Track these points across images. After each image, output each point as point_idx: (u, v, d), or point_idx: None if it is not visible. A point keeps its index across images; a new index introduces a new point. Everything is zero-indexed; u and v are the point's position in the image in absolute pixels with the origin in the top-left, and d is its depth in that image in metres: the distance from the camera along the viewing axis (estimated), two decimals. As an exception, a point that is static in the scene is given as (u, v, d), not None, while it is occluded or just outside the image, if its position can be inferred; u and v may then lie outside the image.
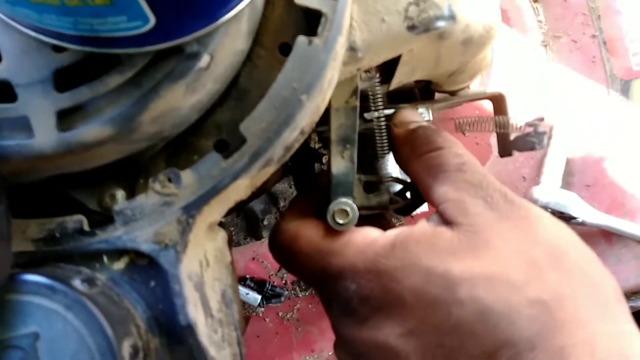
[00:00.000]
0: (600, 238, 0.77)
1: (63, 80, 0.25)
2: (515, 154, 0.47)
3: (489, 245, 0.31)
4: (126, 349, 0.23)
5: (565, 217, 0.72)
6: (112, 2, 0.20)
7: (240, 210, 0.78)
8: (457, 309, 0.29)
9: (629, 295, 0.77)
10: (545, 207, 0.72)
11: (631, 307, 0.78)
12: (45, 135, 0.25)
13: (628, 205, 0.76)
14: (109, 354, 0.22)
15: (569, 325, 0.28)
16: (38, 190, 0.30)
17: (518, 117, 0.46)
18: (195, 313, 0.28)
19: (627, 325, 0.29)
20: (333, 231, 0.36)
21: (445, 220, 0.33)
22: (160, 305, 0.28)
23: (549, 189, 0.73)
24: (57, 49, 0.25)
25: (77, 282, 0.24)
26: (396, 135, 0.40)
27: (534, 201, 0.73)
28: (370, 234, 0.35)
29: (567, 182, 0.77)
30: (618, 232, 0.73)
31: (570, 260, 0.31)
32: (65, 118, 0.26)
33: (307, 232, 0.36)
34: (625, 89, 0.77)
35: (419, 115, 0.42)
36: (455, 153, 0.36)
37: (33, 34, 0.24)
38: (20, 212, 0.28)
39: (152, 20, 0.22)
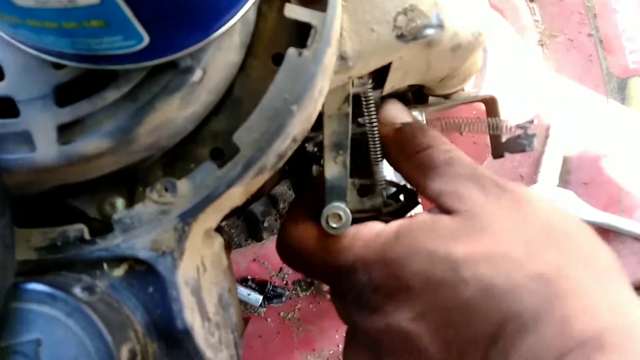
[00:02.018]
0: (598, 235, 0.78)
1: (63, 95, 0.27)
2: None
3: (487, 227, 0.32)
4: (125, 353, 0.24)
5: (563, 215, 0.73)
6: (107, 24, 0.21)
7: (240, 212, 0.79)
8: (461, 289, 0.31)
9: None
10: (542, 206, 0.73)
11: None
12: (46, 149, 0.26)
13: (625, 202, 0.77)
14: (108, 358, 0.23)
15: (571, 295, 0.29)
16: (40, 200, 0.31)
17: (513, 118, 0.47)
18: (191, 317, 0.29)
19: (626, 293, 0.30)
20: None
21: (444, 210, 0.34)
22: (158, 310, 0.29)
23: (546, 188, 0.74)
24: (57, 66, 0.26)
25: (77, 290, 0.25)
26: (384, 135, 0.41)
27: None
28: (375, 227, 0.36)
29: (565, 181, 0.78)
30: (615, 229, 0.74)
31: (565, 236, 0.32)
32: (66, 132, 0.27)
33: (313, 232, 0.37)
34: (621, 87, 0.78)
35: (403, 110, 0.42)
36: (443, 149, 0.37)
37: (34, 52, 0.25)
38: (24, 222, 0.29)
39: (146, 38, 0.23)
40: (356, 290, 0.35)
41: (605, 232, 0.77)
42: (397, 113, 0.42)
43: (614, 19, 0.78)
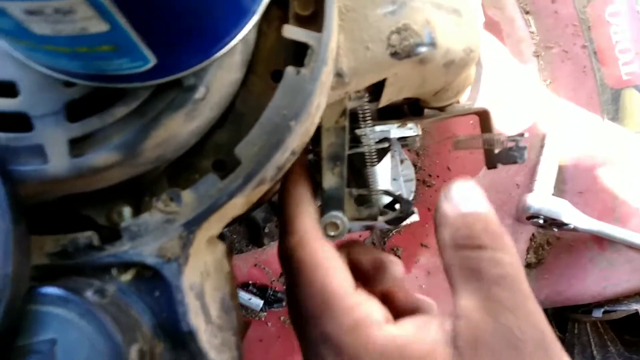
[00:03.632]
0: (592, 243, 0.79)
1: (74, 111, 0.28)
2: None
3: None
4: (134, 353, 0.26)
5: (558, 224, 0.74)
6: (116, 48, 0.23)
7: (242, 219, 0.81)
8: None
9: (621, 299, 0.79)
10: (538, 214, 0.74)
11: (623, 311, 0.80)
12: (58, 161, 0.28)
13: (619, 211, 0.78)
14: (118, 358, 0.25)
15: None
16: (52, 208, 0.33)
17: (509, 128, 0.48)
18: (196, 320, 0.31)
19: None
20: (346, 281, 0.34)
21: (455, 343, 0.29)
22: (164, 313, 0.30)
23: (542, 196, 0.75)
24: (68, 84, 0.28)
25: (89, 293, 0.26)
26: (443, 214, 0.34)
27: (527, 208, 0.75)
28: (373, 315, 0.32)
29: (560, 190, 0.79)
30: (610, 237, 0.75)
31: None
32: (77, 145, 0.28)
33: (328, 265, 0.35)
34: (615, 98, 0.80)
35: (478, 194, 0.35)
36: (498, 260, 0.30)
37: (47, 71, 0.27)
38: (37, 229, 0.31)
39: (153, 60, 0.25)
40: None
41: (600, 241, 0.78)
42: (466, 198, 0.34)
43: (608, 31, 0.80)
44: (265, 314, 0.79)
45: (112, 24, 0.21)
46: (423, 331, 0.31)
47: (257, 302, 0.78)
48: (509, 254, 0.31)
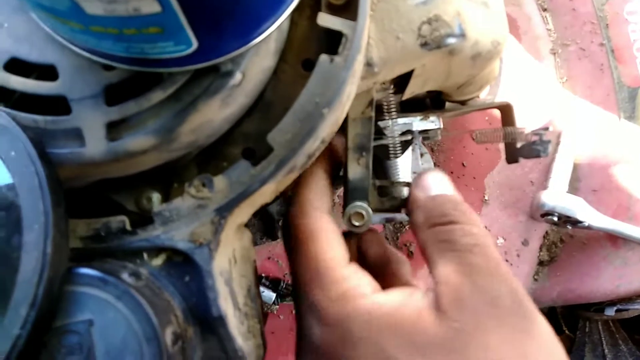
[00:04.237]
0: (606, 242, 0.79)
1: (112, 95, 0.29)
2: (523, 159, 0.49)
3: (475, 352, 0.28)
4: (169, 335, 0.26)
5: (572, 221, 0.74)
6: (163, 30, 0.23)
7: (257, 212, 0.81)
8: None
9: (634, 298, 0.79)
10: (552, 212, 0.74)
11: (635, 310, 0.80)
12: (95, 145, 0.28)
13: (634, 209, 0.78)
14: (153, 339, 0.25)
15: None
16: (83, 193, 0.33)
17: (526, 125, 0.48)
18: (225, 306, 0.31)
19: None
20: (338, 253, 0.35)
21: (439, 306, 0.30)
22: (194, 298, 0.31)
23: (556, 194, 0.75)
24: (107, 68, 0.28)
25: (125, 275, 0.27)
26: (415, 198, 0.38)
27: (542, 205, 0.75)
28: (361, 288, 0.33)
29: (574, 187, 0.79)
30: (624, 235, 0.75)
31: None
32: (114, 129, 0.29)
33: (324, 236, 0.35)
34: (632, 96, 0.79)
35: (445, 181, 0.38)
36: (469, 231, 0.33)
37: (86, 54, 0.27)
38: (70, 213, 0.31)
39: (195, 44, 0.25)
40: (304, 329, 0.34)
41: (614, 239, 0.78)
42: (437, 183, 0.38)
43: (626, 29, 0.79)
44: (277, 306, 0.79)
45: (164, 5, 0.21)
46: (409, 298, 0.32)
47: (270, 295, 0.78)
48: (478, 226, 0.34)
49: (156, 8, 0.21)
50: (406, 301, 0.32)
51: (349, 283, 0.33)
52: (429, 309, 0.31)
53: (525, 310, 0.30)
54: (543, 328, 0.30)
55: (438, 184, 0.38)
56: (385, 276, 0.39)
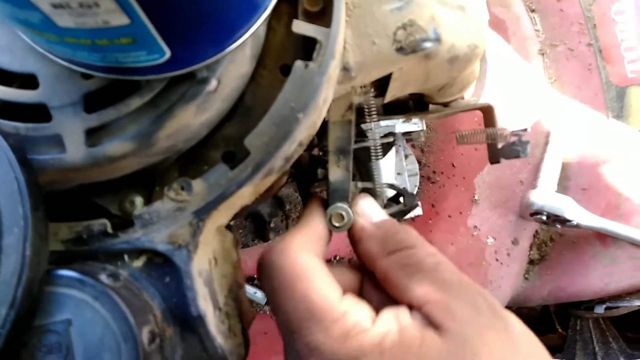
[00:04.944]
0: (595, 240, 0.80)
1: (91, 102, 0.29)
2: (513, 159, 0.50)
3: (477, 355, 0.30)
4: (145, 334, 0.27)
5: (561, 220, 0.75)
6: (134, 41, 0.24)
7: (248, 214, 0.82)
8: None
9: (624, 295, 0.80)
10: (541, 211, 0.75)
11: (625, 307, 0.81)
12: (75, 150, 0.29)
13: (623, 208, 0.79)
14: (130, 338, 0.26)
15: None
16: (66, 197, 0.34)
17: (514, 125, 0.49)
18: (204, 305, 0.32)
19: None
20: (331, 289, 0.34)
21: (432, 323, 0.32)
22: (174, 298, 0.31)
23: (545, 193, 0.76)
24: (86, 76, 0.29)
25: (103, 277, 0.27)
26: (360, 227, 0.39)
27: (531, 205, 0.76)
28: (362, 323, 0.33)
29: (564, 186, 0.80)
30: (613, 234, 0.76)
31: None
32: (93, 135, 0.30)
33: (311, 275, 0.34)
34: (620, 96, 0.80)
35: (377, 207, 0.40)
36: (428, 252, 0.35)
37: (65, 64, 0.28)
38: (52, 217, 0.32)
39: (168, 52, 0.26)
40: None
41: (603, 238, 0.79)
42: (373, 210, 0.40)
43: (613, 29, 0.80)
44: (269, 307, 0.80)
45: (132, 17, 0.22)
46: (402, 321, 0.33)
47: (262, 296, 0.79)
48: (431, 247, 0.36)
49: (124, 20, 0.22)
50: (401, 324, 0.32)
51: (350, 319, 0.32)
52: (425, 328, 0.31)
53: (499, 312, 0.33)
54: (515, 323, 0.33)
55: (374, 210, 0.40)
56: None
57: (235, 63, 0.31)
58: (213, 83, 0.30)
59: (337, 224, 0.39)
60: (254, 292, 0.79)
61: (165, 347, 0.29)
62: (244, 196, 0.34)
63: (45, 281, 0.26)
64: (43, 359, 0.25)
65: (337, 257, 0.81)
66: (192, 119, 0.31)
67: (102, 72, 0.28)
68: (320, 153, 0.56)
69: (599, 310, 0.82)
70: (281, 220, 0.82)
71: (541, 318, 0.98)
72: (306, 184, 0.57)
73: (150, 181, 0.35)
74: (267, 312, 0.80)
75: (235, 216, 0.37)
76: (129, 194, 0.35)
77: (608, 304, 0.81)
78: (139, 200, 0.35)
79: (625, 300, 0.79)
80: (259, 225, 0.81)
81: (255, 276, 0.80)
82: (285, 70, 0.35)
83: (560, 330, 0.94)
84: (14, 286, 0.24)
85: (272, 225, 0.81)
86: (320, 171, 0.58)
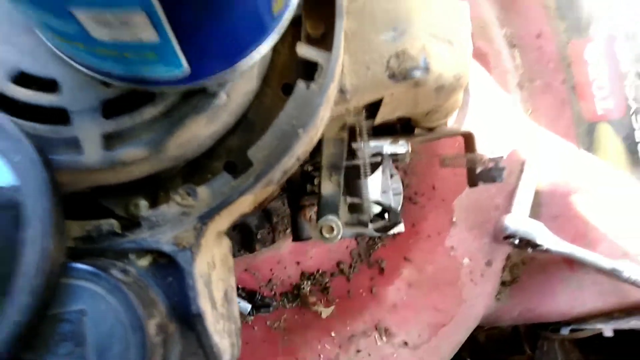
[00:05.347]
0: (563, 265, 0.84)
1: (109, 109, 0.32)
2: (489, 185, 0.53)
3: None
4: (152, 326, 0.29)
5: (532, 245, 0.79)
6: (159, 56, 0.27)
7: (235, 224, 0.83)
8: None
9: (587, 318, 0.83)
10: (514, 235, 0.78)
11: (589, 330, 0.85)
12: (92, 153, 0.31)
13: (590, 236, 0.83)
14: (139, 329, 0.28)
15: None
16: (76, 198, 0.36)
17: (493, 152, 0.53)
18: (204, 304, 0.34)
19: None
20: None
21: None
22: (176, 297, 0.33)
23: (519, 218, 0.80)
24: (106, 84, 0.31)
25: (115, 271, 0.29)
26: None
27: (504, 229, 0.79)
28: None
29: (536, 213, 0.84)
30: (580, 260, 0.80)
31: None
32: (109, 140, 0.32)
33: None
34: (590, 131, 0.85)
35: None
36: None
37: (87, 71, 0.31)
38: (64, 216, 0.34)
39: (186, 68, 0.29)
40: None
41: (571, 263, 0.83)
42: None
43: (586, 68, 0.85)
44: (252, 317, 0.82)
45: (161, 35, 0.24)
46: None
47: (245, 306, 0.80)
48: None
49: (154, 38, 0.24)
50: None
51: None
52: None
53: None
54: None
55: None
56: None
57: (244, 80, 0.34)
58: (223, 97, 0.33)
59: (327, 235, 0.42)
60: (237, 302, 0.80)
61: (168, 342, 0.31)
62: (244, 204, 0.36)
63: (62, 273, 0.28)
64: (56, 346, 0.27)
65: (320, 271, 0.83)
66: (201, 130, 0.33)
67: (122, 82, 0.30)
68: (311, 169, 0.59)
69: (565, 332, 0.86)
70: (268, 232, 0.84)
71: (511, 339, 1.02)
72: (296, 198, 0.59)
73: (155, 187, 0.37)
74: (250, 322, 0.82)
75: (234, 227, 0.39)
76: (135, 198, 0.37)
77: (573, 326, 0.85)
78: (143, 203, 0.37)
79: (589, 322, 0.83)
80: (245, 236, 0.83)
81: (239, 286, 0.81)
82: (287, 89, 0.37)
83: (528, 351, 0.97)
84: (34, 276, 0.26)
85: (258, 237, 0.83)
86: (309, 186, 0.61)
